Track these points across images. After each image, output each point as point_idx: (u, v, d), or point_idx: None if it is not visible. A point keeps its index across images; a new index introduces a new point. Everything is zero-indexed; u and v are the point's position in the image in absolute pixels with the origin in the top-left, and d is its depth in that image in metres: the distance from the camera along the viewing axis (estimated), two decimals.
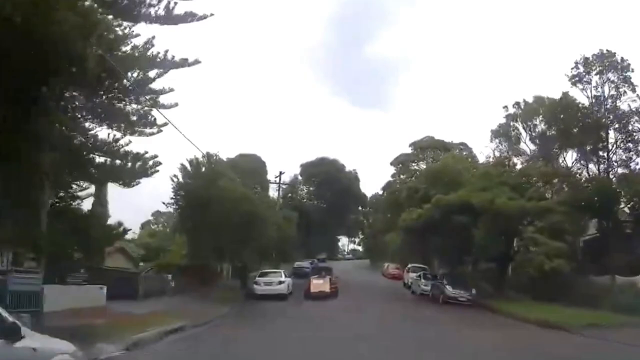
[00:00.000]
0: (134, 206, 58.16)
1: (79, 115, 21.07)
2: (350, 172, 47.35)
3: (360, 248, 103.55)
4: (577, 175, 33.72)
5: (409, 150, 47.93)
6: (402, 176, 48.43)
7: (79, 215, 19.21)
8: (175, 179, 29.90)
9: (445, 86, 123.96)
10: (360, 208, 55.59)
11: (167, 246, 40.86)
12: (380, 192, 59.07)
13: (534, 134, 48.70)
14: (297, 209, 43.57)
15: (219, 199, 26.91)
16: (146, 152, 23.04)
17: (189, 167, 30.20)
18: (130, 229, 26.53)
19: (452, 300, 25.86)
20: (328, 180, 46.58)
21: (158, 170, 23.11)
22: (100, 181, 21.03)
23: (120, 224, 21.76)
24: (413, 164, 46.99)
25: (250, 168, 39.74)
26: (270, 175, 44.48)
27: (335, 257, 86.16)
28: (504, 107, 50.67)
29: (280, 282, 27.14)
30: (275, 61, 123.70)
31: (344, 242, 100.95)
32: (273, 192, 44.69)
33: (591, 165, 35.17)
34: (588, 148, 34.30)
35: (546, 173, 30.67)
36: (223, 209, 26.64)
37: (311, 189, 48.82)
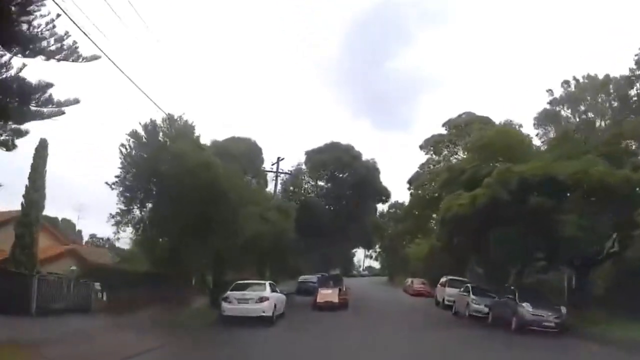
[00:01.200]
0: None
1: None
2: (368, 160, 37.40)
3: (377, 264, 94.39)
4: None
5: (443, 131, 38.61)
6: (431, 166, 38.95)
7: None
8: (124, 150, 21.07)
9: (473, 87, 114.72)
10: (377, 209, 45.01)
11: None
12: (401, 201, 50.58)
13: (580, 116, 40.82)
14: (301, 204, 34.07)
15: (173, 172, 18.03)
16: (51, 85, 14.87)
17: (143, 135, 21.39)
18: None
19: (534, 326, 16.26)
20: (340, 171, 36.68)
21: (64, 112, 15.05)
22: None
23: None
24: (450, 145, 37.45)
25: (241, 152, 30.65)
26: (270, 166, 35.30)
27: (351, 273, 76.99)
28: (547, 91, 43.13)
29: (262, 299, 17.53)
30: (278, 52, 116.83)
31: (359, 257, 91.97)
32: (272, 187, 35.71)
33: None
34: None
35: None
36: (178, 186, 17.73)
37: (320, 183, 38.92)
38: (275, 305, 17.89)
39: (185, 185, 17.59)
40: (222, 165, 19.14)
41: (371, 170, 36.95)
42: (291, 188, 36.37)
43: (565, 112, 43.22)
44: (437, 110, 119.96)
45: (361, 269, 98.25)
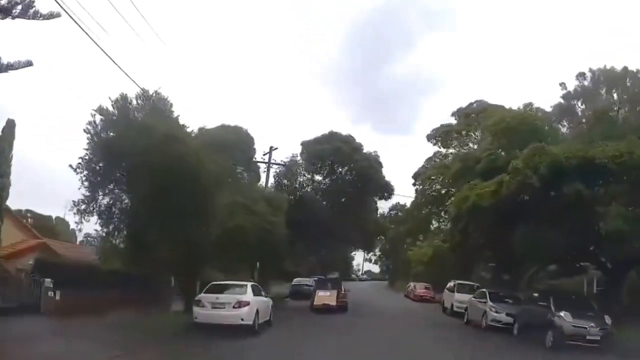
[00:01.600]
0: None
1: None
2: (370, 153, 34.06)
3: (377, 268, 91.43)
4: None
5: (452, 121, 35.49)
6: (437, 160, 35.87)
7: None
8: (91, 129, 18.07)
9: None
10: (379, 209, 41.57)
11: None
12: (402, 203, 47.88)
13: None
14: (296, 199, 31.10)
15: (140, 148, 15.10)
16: None
17: (113, 112, 18.39)
18: None
19: (575, 340, 13.26)
20: (340, 163, 33.46)
21: (7, 71, 12.53)
22: None
23: None
24: (460, 137, 34.25)
25: (231, 141, 27.64)
26: (261, 157, 32.23)
27: (349, 277, 74.16)
28: (560, 85, 40.39)
29: (240, 304, 14.30)
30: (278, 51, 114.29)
31: (358, 260, 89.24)
32: (267, 180, 32.61)
33: None
34: None
35: None
36: (146, 164, 14.81)
37: (317, 177, 35.71)
38: (257, 312, 14.72)
39: (152, 164, 14.65)
40: (198, 141, 16.18)
41: (373, 163, 33.79)
42: (285, 181, 33.21)
43: (580, 107, 40.72)
44: (439, 113, 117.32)
45: (360, 272, 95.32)
